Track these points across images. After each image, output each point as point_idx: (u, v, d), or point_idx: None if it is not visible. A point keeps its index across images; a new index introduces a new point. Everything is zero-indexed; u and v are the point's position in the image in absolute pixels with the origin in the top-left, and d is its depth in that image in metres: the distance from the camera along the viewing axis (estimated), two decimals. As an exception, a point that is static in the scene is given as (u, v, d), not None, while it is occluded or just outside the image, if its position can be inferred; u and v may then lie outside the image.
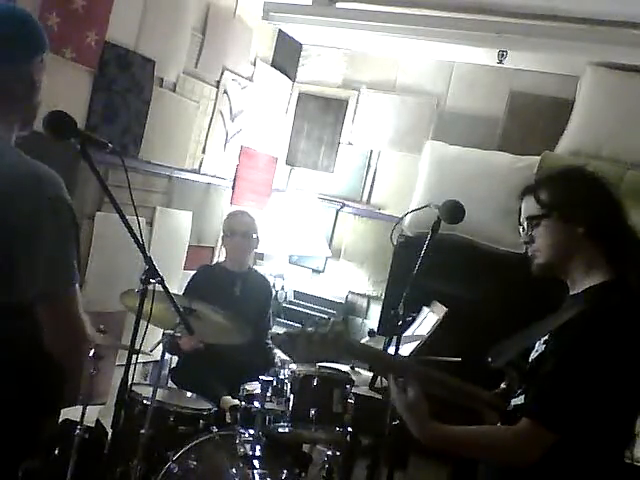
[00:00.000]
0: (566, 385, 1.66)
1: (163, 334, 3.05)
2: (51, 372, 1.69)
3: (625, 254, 1.80)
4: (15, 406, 1.65)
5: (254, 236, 3.79)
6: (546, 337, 1.80)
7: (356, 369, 3.35)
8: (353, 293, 4.74)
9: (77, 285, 1.65)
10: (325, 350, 1.78)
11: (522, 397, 1.80)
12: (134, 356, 2.25)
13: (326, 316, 4.51)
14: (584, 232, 1.79)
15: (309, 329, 1.77)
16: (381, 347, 2.47)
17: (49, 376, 1.69)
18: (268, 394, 2.83)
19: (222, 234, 3.88)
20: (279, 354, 3.70)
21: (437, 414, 1.77)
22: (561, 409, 1.66)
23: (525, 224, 1.89)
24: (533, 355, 1.82)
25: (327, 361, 3.05)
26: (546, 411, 1.67)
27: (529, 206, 1.89)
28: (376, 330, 3.43)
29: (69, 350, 1.67)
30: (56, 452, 2.94)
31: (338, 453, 2.96)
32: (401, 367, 1.84)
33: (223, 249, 4.01)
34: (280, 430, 2.81)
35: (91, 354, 2.80)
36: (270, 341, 3.87)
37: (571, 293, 1.86)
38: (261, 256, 4.77)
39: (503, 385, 1.91)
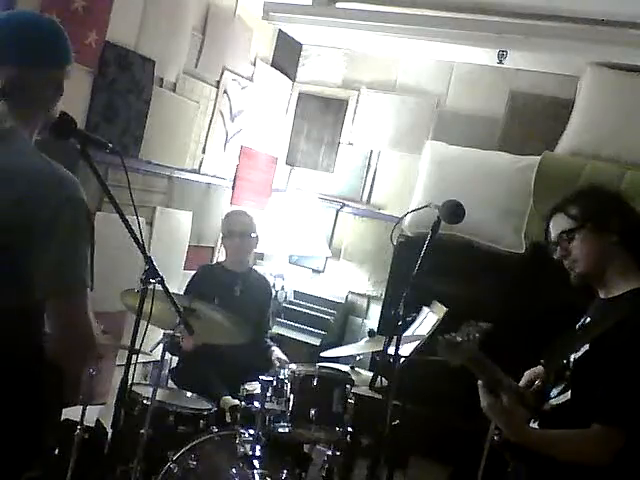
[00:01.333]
0: (632, 388, 1.77)
1: (163, 334, 3.04)
2: (52, 374, 1.69)
3: None
4: (17, 410, 1.65)
5: (253, 235, 3.79)
6: (589, 339, 1.89)
7: (356, 369, 3.35)
8: (353, 293, 4.73)
9: (88, 289, 1.68)
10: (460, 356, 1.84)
11: (564, 396, 1.89)
12: (134, 356, 2.25)
13: (326, 316, 4.53)
14: (617, 240, 1.94)
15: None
16: (381, 347, 2.48)
17: (49, 378, 1.70)
18: (268, 394, 2.83)
19: (221, 234, 3.88)
20: (276, 353, 3.70)
21: None
22: (631, 411, 1.77)
23: (559, 239, 2.01)
24: (575, 356, 1.90)
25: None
26: (619, 415, 1.77)
27: (559, 223, 2.02)
28: (376, 330, 3.43)
29: (73, 351, 1.68)
30: (56, 452, 2.94)
31: (338, 453, 2.96)
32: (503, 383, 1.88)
33: (223, 249, 4.01)
34: (280, 430, 2.81)
35: (91, 354, 2.81)
36: (269, 340, 3.88)
37: (605, 297, 1.98)
38: (261, 256, 4.77)
39: (538, 383, 2.04)
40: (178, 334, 2.76)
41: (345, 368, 3.34)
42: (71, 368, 1.75)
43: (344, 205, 4.80)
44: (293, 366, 2.96)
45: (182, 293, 3.58)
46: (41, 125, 1.74)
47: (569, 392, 1.89)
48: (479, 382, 1.88)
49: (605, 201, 2.02)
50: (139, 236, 2.13)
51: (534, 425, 1.94)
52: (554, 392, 1.93)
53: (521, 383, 2.13)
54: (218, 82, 4.21)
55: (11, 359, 1.62)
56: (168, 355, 3.41)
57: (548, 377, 1.98)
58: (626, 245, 1.94)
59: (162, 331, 3.11)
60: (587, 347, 1.88)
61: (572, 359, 1.91)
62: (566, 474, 1.84)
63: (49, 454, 2.91)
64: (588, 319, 2.03)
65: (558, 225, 2.02)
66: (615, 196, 2.05)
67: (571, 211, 1.99)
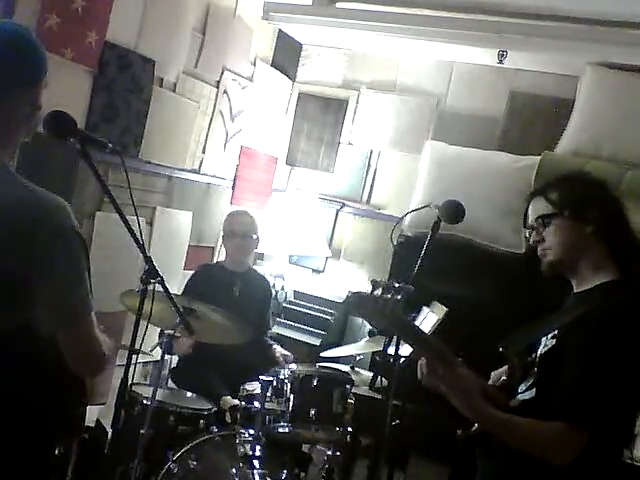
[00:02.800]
0: (596, 384, 1.71)
1: (161, 334, 3.04)
2: (67, 388, 1.76)
3: (630, 255, 1.88)
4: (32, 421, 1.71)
5: (254, 236, 3.79)
6: (554, 333, 1.84)
7: (356, 369, 3.36)
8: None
9: (92, 313, 1.69)
10: (382, 315, 1.84)
11: (530, 392, 1.84)
12: (134, 356, 2.25)
13: (326, 316, 4.53)
14: (593, 231, 1.87)
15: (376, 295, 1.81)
16: (381, 347, 2.47)
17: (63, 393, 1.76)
18: (268, 394, 2.83)
19: (222, 234, 3.88)
20: (279, 350, 3.71)
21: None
22: (595, 409, 1.70)
23: (535, 224, 1.95)
24: (541, 350, 1.86)
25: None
26: (582, 413, 1.71)
27: (538, 207, 1.95)
28: (376, 330, 3.43)
29: (90, 371, 1.76)
30: (56, 452, 2.93)
31: (338, 453, 2.96)
32: (441, 351, 1.83)
33: (223, 249, 4.00)
34: (280, 430, 2.81)
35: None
36: (269, 339, 3.88)
37: (577, 290, 1.92)
38: (261, 256, 4.77)
39: (504, 378, 1.94)
40: (178, 334, 2.76)
41: (345, 368, 3.35)
42: (87, 383, 1.82)
43: (344, 205, 4.80)
44: (293, 366, 2.96)
45: (181, 293, 3.58)
46: (24, 137, 1.70)
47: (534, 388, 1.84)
48: (421, 359, 1.84)
49: (586, 189, 1.94)
50: (139, 236, 2.13)
51: None
52: (522, 387, 1.88)
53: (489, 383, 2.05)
54: (218, 82, 4.21)
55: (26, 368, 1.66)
56: (168, 355, 3.41)
57: (514, 371, 1.90)
58: (602, 237, 1.87)
59: (163, 331, 3.12)
60: (553, 341, 1.83)
61: (539, 353, 1.86)
62: (536, 475, 1.78)
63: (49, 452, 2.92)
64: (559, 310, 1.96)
65: (536, 209, 1.95)
66: (598, 185, 1.97)
67: (551, 196, 1.92)
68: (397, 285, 2.07)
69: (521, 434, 1.77)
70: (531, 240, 1.97)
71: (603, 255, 1.87)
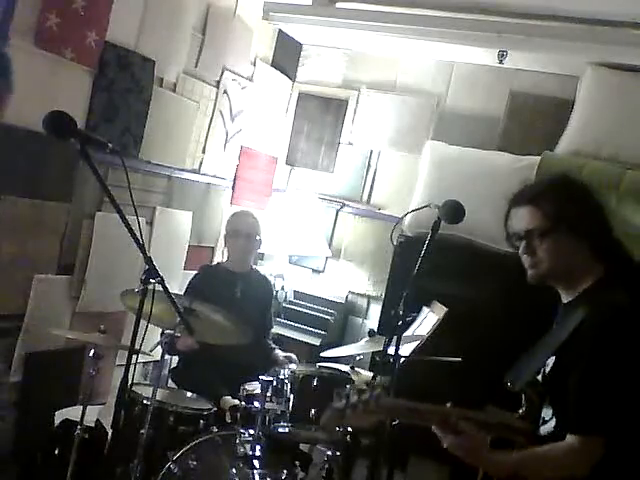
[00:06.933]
0: (599, 392, 1.71)
1: (162, 334, 3.04)
2: None
3: (611, 253, 1.89)
4: None
5: (257, 238, 3.78)
6: (555, 349, 1.83)
7: (356, 369, 3.35)
8: (353, 293, 4.74)
9: None
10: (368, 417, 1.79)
11: (549, 410, 1.83)
12: (134, 356, 2.24)
13: (326, 316, 4.53)
14: (589, 245, 1.86)
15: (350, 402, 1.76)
16: (381, 347, 2.47)
17: None
18: (268, 394, 2.82)
19: (225, 234, 3.87)
20: (281, 354, 3.71)
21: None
22: (604, 416, 1.70)
23: (526, 236, 1.91)
24: (546, 369, 1.84)
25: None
26: (592, 422, 1.71)
27: (529, 217, 1.91)
28: (376, 330, 3.43)
29: None
30: (56, 452, 2.94)
31: (338, 453, 2.96)
32: (442, 414, 1.80)
33: (225, 249, 4.00)
34: (280, 430, 2.81)
35: (91, 354, 2.81)
36: (271, 342, 3.88)
37: (566, 301, 1.92)
38: (261, 256, 4.77)
39: (522, 409, 1.91)
40: (178, 334, 2.76)
41: (345, 368, 3.34)
42: None
43: (344, 205, 4.80)
44: (293, 366, 2.96)
45: (183, 293, 3.58)
46: None
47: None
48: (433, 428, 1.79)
49: (579, 201, 1.91)
50: (139, 236, 2.13)
51: None
52: (546, 412, 1.85)
53: None
54: (218, 82, 4.21)
55: None
56: (168, 355, 3.41)
57: (531, 402, 1.88)
58: (595, 251, 1.86)
59: (162, 331, 3.12)
60: (553, 359, 1.82)
61: (544, 375, 1.85)
62: None
63: (49, 452, 2.91)
64: (554, 327, 1.96)
65: (528, 219, 1.91)
66: (587, 192, 1.94)
67: (545, 207, 1.88)
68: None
69: (543, 465, 1.77)
70: (520, 251, 1.94)
71: (589, 260, 1.87)
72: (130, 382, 2.31)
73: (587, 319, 1.76)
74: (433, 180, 4.17)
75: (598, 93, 3.97)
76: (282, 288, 4.60)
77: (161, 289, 2.22)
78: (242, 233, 3.73)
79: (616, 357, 1.72)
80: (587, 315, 1.77)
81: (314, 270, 4.85)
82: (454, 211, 2.35)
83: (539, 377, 1.86)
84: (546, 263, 1.89)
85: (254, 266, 3.99)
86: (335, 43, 4.82)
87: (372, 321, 4.58)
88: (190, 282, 3.75)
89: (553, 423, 1.83)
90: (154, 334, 3.11)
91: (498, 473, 1.80)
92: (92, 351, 2.82)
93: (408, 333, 3.26)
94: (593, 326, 1.74)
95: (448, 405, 1.81)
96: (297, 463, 3.03)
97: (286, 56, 4.84)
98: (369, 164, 4.78)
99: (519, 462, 1.77)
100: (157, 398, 2.75)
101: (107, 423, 2.72)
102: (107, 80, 3.39)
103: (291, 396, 2.84)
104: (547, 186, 1.98)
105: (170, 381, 3.69)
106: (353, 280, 4.74)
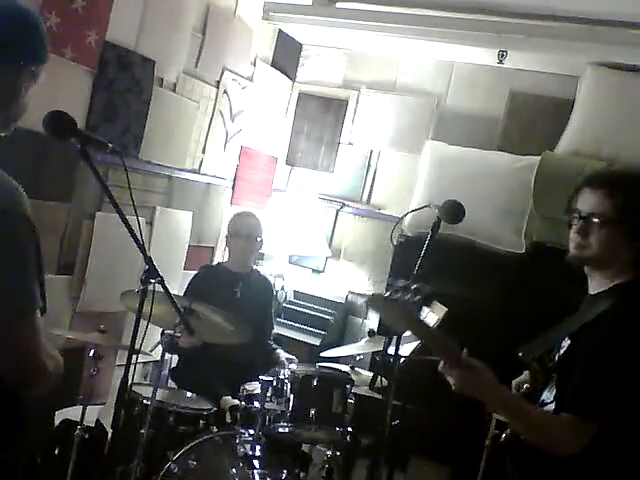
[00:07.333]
0: (604, 380, 1.74)
1: (162, 334, 3.04)
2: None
3: None
4: None
5: (258, 239, 3.78)
6: (572, 332, 1.86)
7: (356, 369, 3.35)
8: (353, 293, 4.73)
9: (37, 311, 1.46)
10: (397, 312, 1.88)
11: (551, 393, 1.86)
12: (134, 356, 2.24)
13: (326, 316, 4.53)
14: (637, 248, 1.87)
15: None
16: (381, 347, 2.47)
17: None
18: (268, 394, 2.82)
19: (227, 234, 3.87)
20: (283, 354, 3.71)
21: None
22: (601, 401, 1.74)
23: (588, 217, 1.89)
24: (559, 352, 1.88)
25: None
26: (588, 405, 1.74)
27: (597, 201, 1.89)
28: (376, 330, 3.43)
29: (23, 386, 1.51)
30: (56, 452, 2.93)
31: (338, 453, 2.96)
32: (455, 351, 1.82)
33: (226, 249, 4.00)
34: (280, 430, 2.81)
35: (91, 354, 2.81)
36: (273, 342, 3.88)
37: (593, 292, 1.93)
38: (261, 256, 4.77)
39: (527, 385, 1.99)
40: (178, 334, 2.76)
41: (345, 368, 3.34)
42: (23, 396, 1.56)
43: (344, 205, 4.80)
44: (293, 366, 2.96)
45: (183, 293, 3.58)
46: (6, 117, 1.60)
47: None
48: (440, 365, 1.82)
49: None
50: (139, 236, 2.13)
51: None
52: (547, 395, 1.90)
53: None
54: (218, 82, 4.21)
55: None
56: (168, 355, 3.41)
57: (536, 377, 1.94)
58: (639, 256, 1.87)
59: (161, 331, 3.12)
60: (568, 342, 1.86)
61: (557, 358, 1.89)
62: None
63: (49, 452, 2.91)
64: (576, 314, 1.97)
65: (595, 203, 1.88)
66: None
67: (617, 198, 1.85)
68: (414, 287, 2.08)
69: (532, 421, 1.80)
70: (573, 229, 1.93)
71: (631, 261, 1.88)
72: (130, 382, 2.31)
73: (610, 310, 1.79)
74: (433, 180, 4.17)
75: (598, 93, 3.97)
76: (282, 288, 4.60)
77: (161, 289, 2.22)
78: (243, 234, 3.73)
79: (629, 351, 1.74)
80: (611, 306, 1.80)
81: (314, 270, 4.85)
82: (454, 211, 2.35)
83: (551, 361, 1.90)
84: (593, 250, 1.89)
85: (255, 267, 3.99)
86: (335, 43, 4.82)
87: (372, 321, 4.57)
88: (190, 282, 3.75)
89: (552, 407, 1.86)
90: (154, 334, 3.11)
91: (498, 405, 1.85)
92: (92, 351, 2.81)
93: (408, 333, 3.26)
94: (613, 316, 1.77)
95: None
96: (297, 463, 3.03)
97: (286, 56, 4.84)
98: (369, 164, 4.78)
99: (519, 404, 1.83)
100: (157, 398, 2.75)
101: (107, 423, 2.71)
102: (107, 80, 3.39)
103: (291, 396, 2.83)
104: (625, 178, 1.97)
105: (170, 381, 3.69)
106: (353, 280, 4.74)
